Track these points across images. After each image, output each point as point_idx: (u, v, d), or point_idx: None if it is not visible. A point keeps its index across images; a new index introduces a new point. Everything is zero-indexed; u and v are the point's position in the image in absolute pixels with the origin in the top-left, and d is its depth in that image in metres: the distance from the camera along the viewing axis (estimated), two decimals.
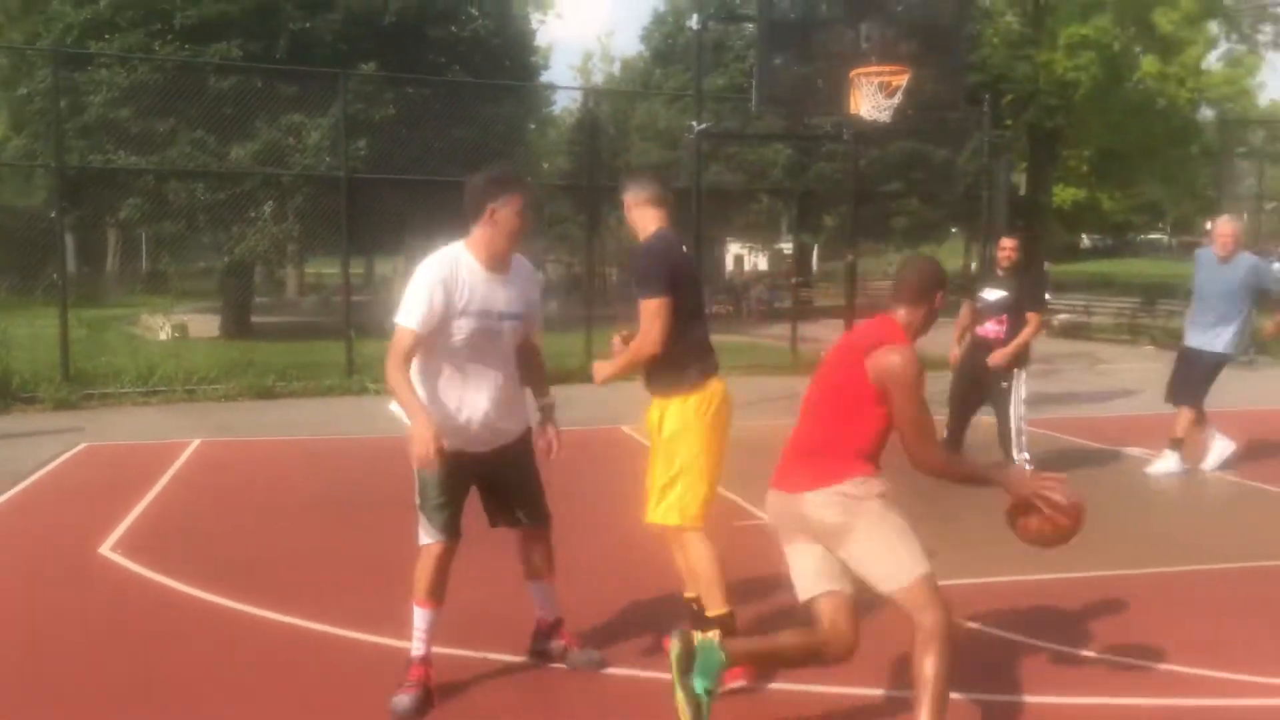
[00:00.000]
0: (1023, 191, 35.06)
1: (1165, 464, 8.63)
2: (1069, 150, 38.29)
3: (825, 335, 17.28)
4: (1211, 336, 8.54)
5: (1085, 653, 4.65)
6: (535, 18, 36.86)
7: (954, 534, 6.87)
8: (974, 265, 20.69)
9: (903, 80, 9.95)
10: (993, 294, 8.01)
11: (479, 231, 4.12)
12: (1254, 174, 19.89)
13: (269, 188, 18.24)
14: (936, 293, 3.75)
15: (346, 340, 13.71)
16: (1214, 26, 36.61)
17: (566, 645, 4.51)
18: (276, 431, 10.74)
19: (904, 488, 6.54)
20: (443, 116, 17.80)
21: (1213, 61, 38.43)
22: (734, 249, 49.77)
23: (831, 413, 3.71)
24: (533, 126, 29.42)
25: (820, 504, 3.59)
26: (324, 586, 5.65)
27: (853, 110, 10.36)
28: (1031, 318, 7.94)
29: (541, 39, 33.02)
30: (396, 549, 6.22)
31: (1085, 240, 70.34)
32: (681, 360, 4.34)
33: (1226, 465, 8.68)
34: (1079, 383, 14.69)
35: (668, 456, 4.34)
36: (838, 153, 22.70)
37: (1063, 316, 23.68)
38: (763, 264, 48.54)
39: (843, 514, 3.56)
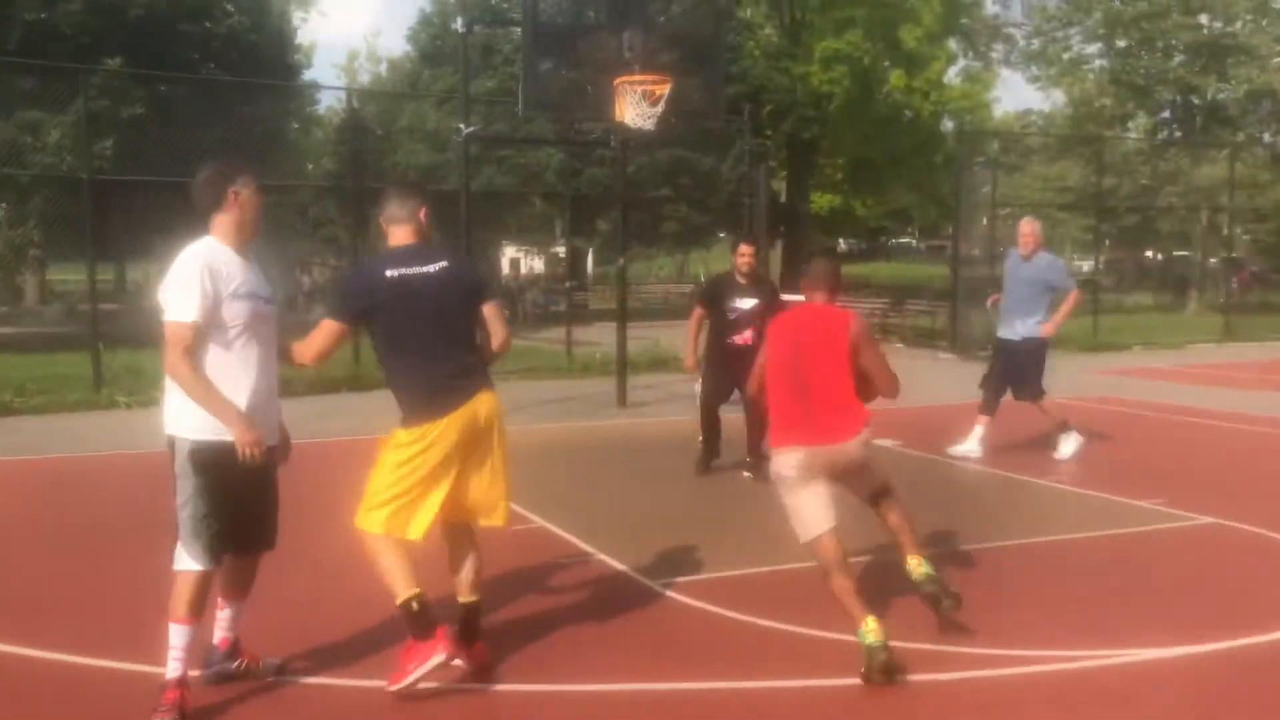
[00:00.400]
0: (783, 198, 36.51)
1: (1068, 445, 9.21)
2: (825, 159, 40.09)
3: (601, 338, 17.51)
4: (1025, 328, 9.21)
5: (832, 635, 4.90)
6: (296, 15, 35.73)
7: (717, 530, 7.13)
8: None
9: (665, 89, 10.23)
10: (745, 303, 8.12)
11: (225, 218, 4.11)
12: (989, 182, 21.41)
13: (4, 188, 16.97)
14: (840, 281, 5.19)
15: (94, 352, 12.91)
16: (953, 44, 39.21)
17: (248, 661, 4.37)
18: (13, 452, 9.97)
19: (683, 495, 6.80)
20: (197, 115, 17.01)
21: (953, 76, 41.14)
22: (510, 252, 49.73)
23: (840, 375, 4.80)
24: (295, 126, 28.49)
25: (858, 445, 4.77)
26: (67, 615, 5.31)
27: (618, 117, 10.57)
28: None
29: (303, 37, 32.04)
30: (146, 571, 5.94)
31: (842, 244, 73.96)
32: (398, 392, 4.36)
33: (968, 459, 9.31)
34: None
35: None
36: (608, 158, 23.02)
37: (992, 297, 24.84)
38: (539, 267, 48.72)
39: (867, 450, 4.83)
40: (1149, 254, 48.56)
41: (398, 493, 4.21)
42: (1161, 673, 4.52)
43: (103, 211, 13.85)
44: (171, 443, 4.05)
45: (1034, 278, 9.20)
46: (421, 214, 4.42)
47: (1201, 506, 7.31)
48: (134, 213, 15.98)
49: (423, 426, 4.22)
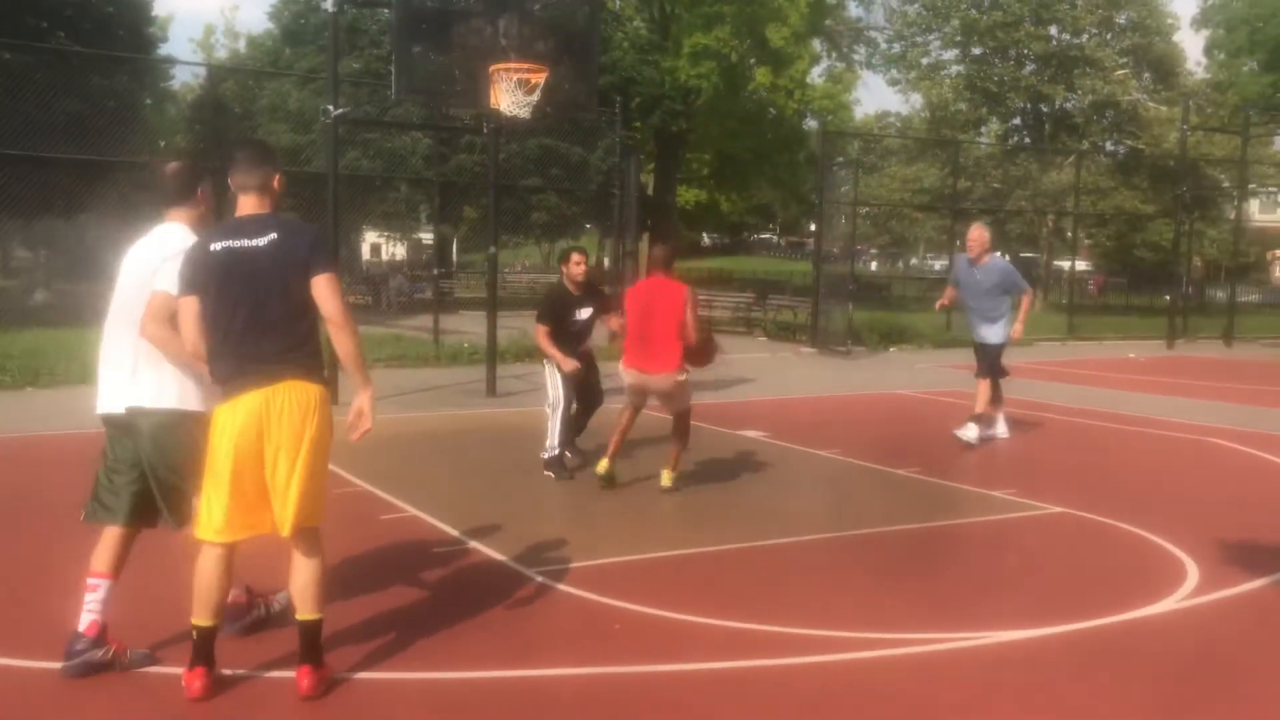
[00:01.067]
0: (651, 191, 36.80)
1: (966, 432, 9.76)
2: (692, 153, 40.57)
3: (468, 327, 17.38)
4: (985, 330, 9.92)
5: (705, 620, 5.02)
6: None
7: (592, 518, 7.20)
8: (606, 260, 21.48)
9: (541, 78, 10.21)
10: (583, 313, 8.24)
11: (190, 212, 4.42)
12: (850, 181, 21.96)
13: None
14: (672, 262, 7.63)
15: None
16: (817, 44, 40.10)
17: (115, 650, 4.19)
18: None
19: (557, 483, 6.73)
20: (46, 87, 16.22)
21: (816, 76, 42.10)
22: (371, 237, 48.83)
23: (672, 327, 7.23)
24: (149, 101, 27.40)
25: (671, 378, 7.30)
26: None
27: (493, 105, 10.51)
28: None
29: (159, 9, 30.83)
30: (16, 562, 5.69)
31: (706, 239, 74.94)
32: (210, 370, 4.11)
33: (996, 439, 10.11)
34: (701, 372, 15.59)
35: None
36: (477, 145, 22.82)
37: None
38: (401, 253, 47.96)
39: (677, 384, 7.33)
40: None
41: (208, 486, 3.99)
42: (1012, 654, 4.75)
43: None
44: (154, 416, 4.21)
45: (990, 283, 9.76)
46: (275, 182, 4.16)
47: (1050, 496, 7.69)
48: None
49: (219, 406, 4.03)
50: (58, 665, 4.14)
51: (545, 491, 7.81)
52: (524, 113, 10.31)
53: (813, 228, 24.03)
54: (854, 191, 21.67)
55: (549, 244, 41.52)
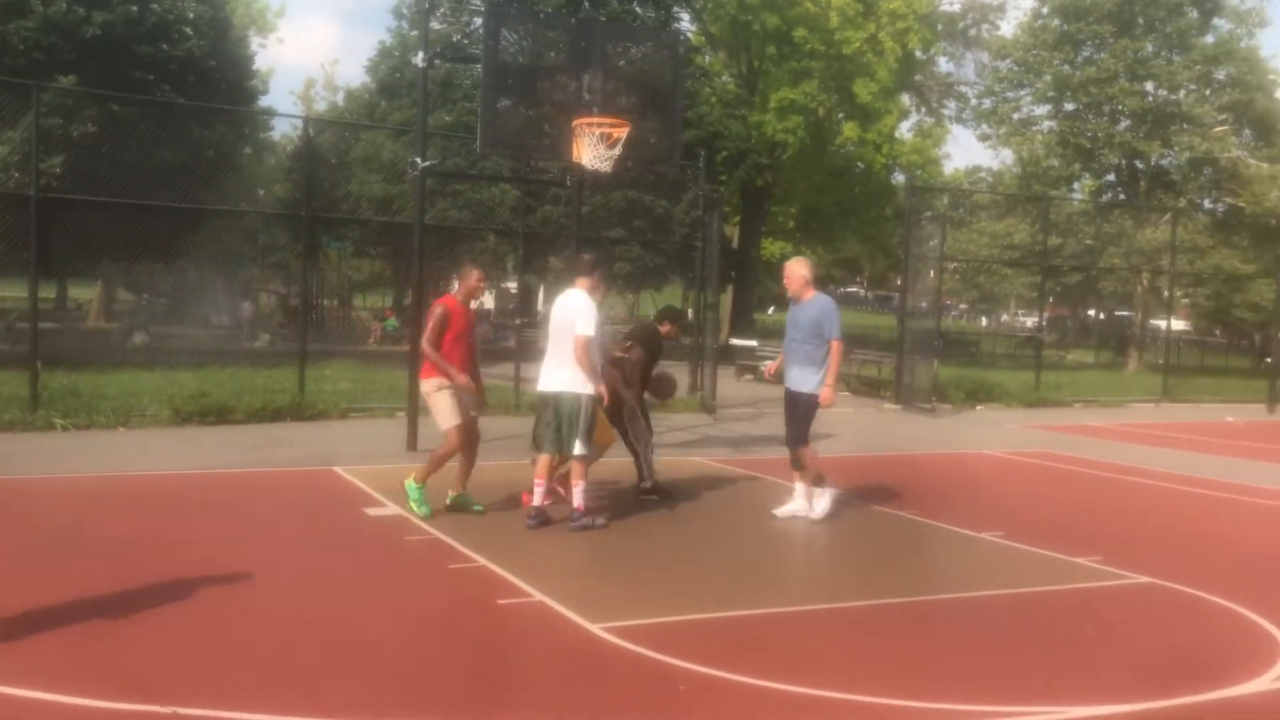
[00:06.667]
0: (735, 244, 36.81)
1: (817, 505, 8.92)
2: (777, 207, 40.53)
3: None
4: (804, 378, 8.78)
5: (777, 686, 4.91)
6: (255, 41, 35.63)
7: (649, 574, 7.12)
8: (690, 312, 21.51)
9: (623, 132, 10.28)
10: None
11: (591, 288, 8.14)
12: (937, 235, 21.69)
13: None
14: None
15: (32, 370, 12.63)
16: (906, 99, 39.92)
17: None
18: None
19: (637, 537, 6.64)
20: (150, 137, 16.84)
21: (905, 131, 41.84)
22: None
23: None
24: (248, 151, 28.28)
25: (424, 384, 8.31)
26: None
27: (575, 158, 10.62)
28: None
29: (261, 62, 31.91)
30: (82, 595, 5.80)
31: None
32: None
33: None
34: (780, 426, 15.45)
35: None
36: (562, 196, 23.08)
37: (768, 363, 25.04)
38: (488, 302, 48.54)
39: (426, 394, 8.26)
40: (1091, 312, 49.45)
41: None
42: None
43: (47, 229, 13.63)
44: (565, 395, 7.87)
45: (808, 320, 8.68)
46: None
47: (1138, 565, 7.42)
48: (80, 232, 15.74)
49: None
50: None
51: (611, 542, 7.74)
52: (606, 166, 10.38)
53: (899, 282, 23.77)
54: (941, 246, 21.38)
55: (632, 295, 41.72)
